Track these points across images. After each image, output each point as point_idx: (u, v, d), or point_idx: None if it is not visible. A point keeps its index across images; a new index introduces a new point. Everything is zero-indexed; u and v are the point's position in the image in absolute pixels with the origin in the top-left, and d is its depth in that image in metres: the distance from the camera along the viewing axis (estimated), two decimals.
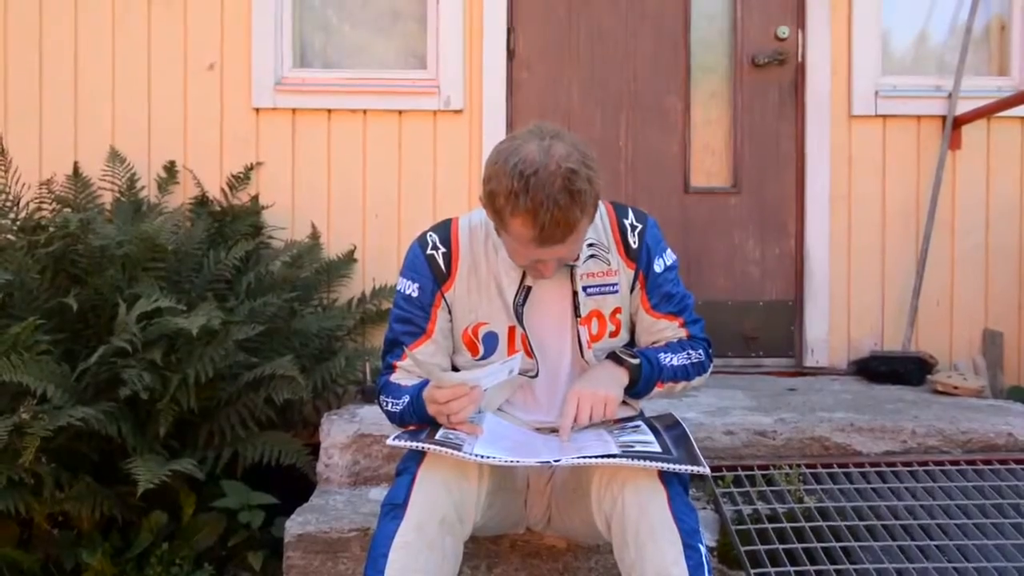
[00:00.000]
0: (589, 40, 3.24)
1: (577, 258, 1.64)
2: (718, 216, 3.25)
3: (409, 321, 1.70)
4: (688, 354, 1.73)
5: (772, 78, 3.24)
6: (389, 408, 1.69)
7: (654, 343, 1.76)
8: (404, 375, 1.71)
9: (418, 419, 1.61)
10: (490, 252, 1.69)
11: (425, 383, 1.60)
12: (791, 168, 3.25)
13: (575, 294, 1.68)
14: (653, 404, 2.04)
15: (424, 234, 1.73)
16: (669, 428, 1.63)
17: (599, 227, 1.70)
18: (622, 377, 1.65)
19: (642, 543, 1.43)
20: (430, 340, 1.70)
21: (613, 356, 1.68)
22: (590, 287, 1.68)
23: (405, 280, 1.71)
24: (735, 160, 3.26)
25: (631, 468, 1.45)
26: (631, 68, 3.24)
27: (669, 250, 1.76)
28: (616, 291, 1.70)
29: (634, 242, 1.70)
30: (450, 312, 1.71)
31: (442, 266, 1.69)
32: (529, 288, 1.66)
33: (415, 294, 1.69)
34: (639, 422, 1.68)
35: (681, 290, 1.77)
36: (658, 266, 1.72)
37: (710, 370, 1.80)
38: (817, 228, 3.20)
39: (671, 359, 1.70)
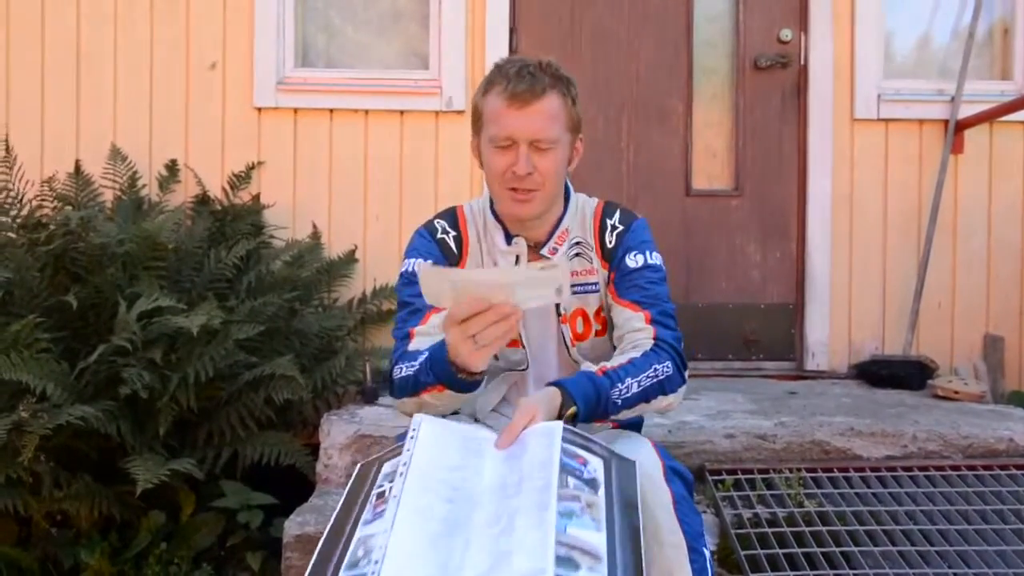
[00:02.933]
0: (591, 41, 3.24)
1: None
2: (719, 219, 3.25)
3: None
4: (655, 370, 1.55)
5: (774, 81, 3.24)
6: (403, 373, 1.52)
7: (623, 337, 1.64)
8: (425, 340, 1.56)
9: (436, 375, 1.43)
10: (489, 238, 1.71)
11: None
12: (793, 171, 3.24)
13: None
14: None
15: (431, 221, 1.73)
16: (626, 513, 1.29)
17: (585, 224, 1.71)
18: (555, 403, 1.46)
19: (647, 545, 1.40)
20: None
21: (563, 389, 1.47)
22: (575, 285, 1.68)
23: (415, 260, 1.65)
24: (737, 163, 3.25)
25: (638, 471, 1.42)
26: (633, 70, 3.24)
27: (655, 252, 1.69)
28: (596, 291, 1.70)
29: (610, 242, 1.69)
30: None
31: (454, 249, 1.70)
32: None
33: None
34: (599, 461, 1.34)
35: (657, 290, 1.65)
36: (632, 261, 1.66)
37: (681, 391, 1.60)
38: (818, 231, 3.20)
39: (630, 385, 1.51)
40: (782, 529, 1.98)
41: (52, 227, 2.57)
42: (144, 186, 3.04)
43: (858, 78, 3.18)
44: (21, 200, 2.68)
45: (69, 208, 2.76)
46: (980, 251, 3.22)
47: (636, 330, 1.62)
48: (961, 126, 3.15)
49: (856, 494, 2.12)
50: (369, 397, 2.60)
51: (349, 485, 1.35)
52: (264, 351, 2.54)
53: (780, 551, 1.90)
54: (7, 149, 2.76)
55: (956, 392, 2.77)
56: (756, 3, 3.24)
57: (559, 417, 1.43)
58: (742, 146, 3.24)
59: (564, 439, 1.31)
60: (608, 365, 1.55)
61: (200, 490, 2.44)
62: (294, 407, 2.59)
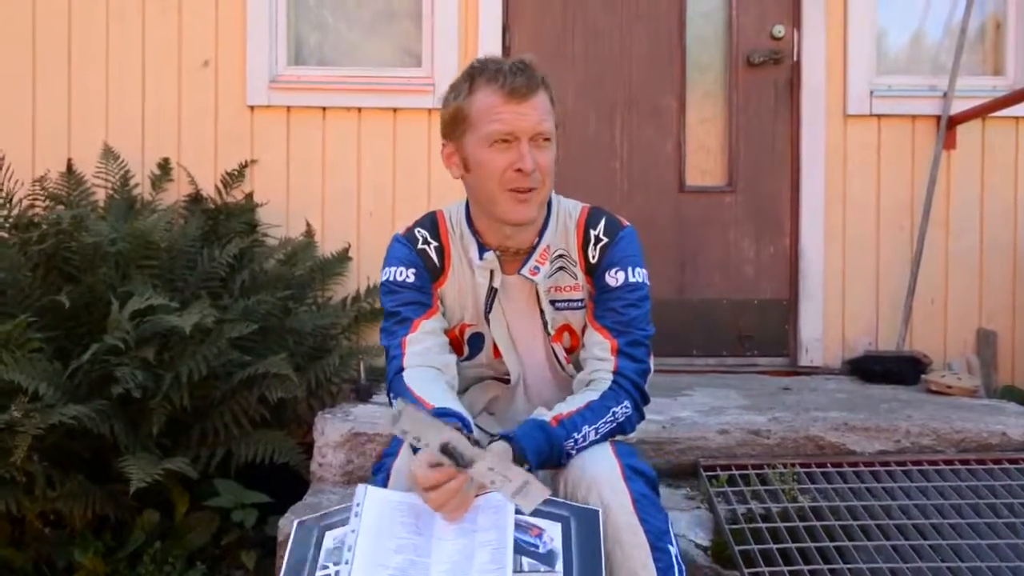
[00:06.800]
0: (584, 39, 3.24)
1: (534, 252, 1.60)
2: (713, 215, 3.25)
3: (412, 303, 1.62)
4: (612, 414, 1.52)
5: (767, 77, 3.24)
6: None
7: (587, 361, 1.62)
8: (419, 355, 1.57)
9: None
10: (467, 251, 1.64)
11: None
12: (786, 167, 3.25)
13: (542, 311, 1.64)
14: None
15: (411, 230, 1.67)
16: (584, 551, 1.34)
17: (568, 237, 1.64)
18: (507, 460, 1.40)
19: (609, 549, 1.38)
20: (438, 315, 1.63)
21: (515, 443, 1.42)
22: (559, 301, 1.64)
23: (396, 268, 1.63)
24: (730, 159, 3.26)
25: (594, 473, 1.42)
26: (626, 67, 3.24)
27: (638, 268, 1.61)
28: (582, 307, 1.65)
29: (593, 257, 1.62)
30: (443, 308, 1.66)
31: (435, 261, 1.64)
32: (495, 291, 1.63)
33: (411, 279, 1.62)
34: (556, 527, 1.36)
35: (633, 315, 1.58)
36: (612, 279, 1.59)
37: (640, 426, 1.60)
38: (812, 227, 3.21)
39: (587, 433, 1.48)
40: (776, 524, 1.98)
41: (44, 226, 2.56)
42: (136, 185, 3.03)
43: (851, 74, 3.19)
44: (12, 199, 2.67)
45: (61, 207, 2.75)
46: (973, 246, 3.22)
47: (598, 359, 1.59)
48: (953, 122, 3.16)
49: (850, 489, 2.12)
50: (363, 395, 2.59)
51: (289, 546, 1.36)
52: (258, 350, 2.53)
53: (774, 546, 1.90)
54: None
55: (949, 387, 2.77)
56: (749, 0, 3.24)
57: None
58: (735, 142, 3.24)
59: (517, 509, 1.31)
60: (564, 411, 1.50)
61: (194, 489, 2.43)
62: (288, 406, 2.59)
